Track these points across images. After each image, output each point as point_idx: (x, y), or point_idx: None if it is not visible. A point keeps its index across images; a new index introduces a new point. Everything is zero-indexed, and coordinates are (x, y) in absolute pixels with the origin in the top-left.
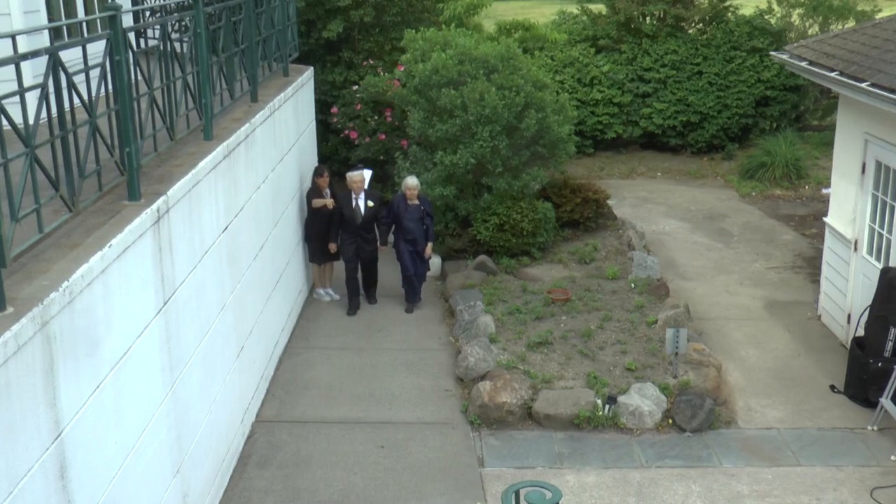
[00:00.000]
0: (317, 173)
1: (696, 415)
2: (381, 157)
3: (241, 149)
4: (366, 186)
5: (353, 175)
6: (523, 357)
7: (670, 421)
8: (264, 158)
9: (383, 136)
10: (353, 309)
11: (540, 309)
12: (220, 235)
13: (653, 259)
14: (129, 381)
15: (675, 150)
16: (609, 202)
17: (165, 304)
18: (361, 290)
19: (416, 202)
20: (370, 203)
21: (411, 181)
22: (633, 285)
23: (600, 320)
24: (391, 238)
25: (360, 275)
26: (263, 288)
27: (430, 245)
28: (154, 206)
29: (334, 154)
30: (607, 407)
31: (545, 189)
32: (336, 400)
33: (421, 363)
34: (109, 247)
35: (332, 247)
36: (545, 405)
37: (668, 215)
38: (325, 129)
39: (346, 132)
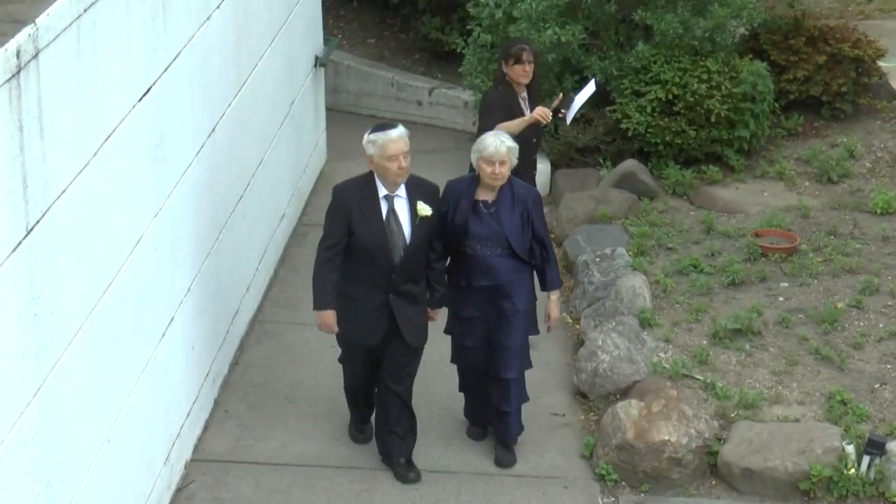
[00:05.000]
0: (508, 56)
1: None
2: None
3: None
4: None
5: (384, 137)
6: (703, 357)
7: None
8: None
9: None
10: (357, 428)
11: (738, 267)
12: (136, 106)
13: None
14: None
15: None
16: (883, 64)
17: (29, 232)
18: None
19: (505, 188)
20: (424, 211)
21: (494, 145)
22: None
23: (857, 292)
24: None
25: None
26: (215, 208)
27: (554, 298)
28: (10, 48)
29: None
30: (867, 461)
31: (757, 36)
32: (344, 425)
33: None
34: None
35: (328, 317)
36: (745, 451)
37: None
38: None
39: None
